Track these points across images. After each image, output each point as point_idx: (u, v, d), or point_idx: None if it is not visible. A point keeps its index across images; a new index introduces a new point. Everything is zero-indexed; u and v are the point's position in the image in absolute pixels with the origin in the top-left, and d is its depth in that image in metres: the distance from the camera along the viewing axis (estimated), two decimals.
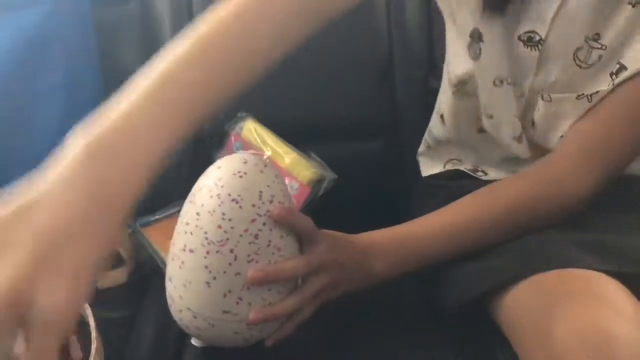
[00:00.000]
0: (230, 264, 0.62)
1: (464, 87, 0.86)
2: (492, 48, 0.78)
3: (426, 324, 0.80)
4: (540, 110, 0.78)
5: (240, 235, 0.62)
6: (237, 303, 0.63)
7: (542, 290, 0.65)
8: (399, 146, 1.11)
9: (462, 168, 0.93)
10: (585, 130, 0.74)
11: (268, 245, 0.63)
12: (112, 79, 1.04)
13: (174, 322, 0.72)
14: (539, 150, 0.82)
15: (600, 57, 0.72)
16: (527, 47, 0.75)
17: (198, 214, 0.63)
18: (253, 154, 0.66)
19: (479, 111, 0.87)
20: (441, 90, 0.96)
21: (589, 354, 0.55)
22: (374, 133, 1.12)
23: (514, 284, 0.68)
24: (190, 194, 0.66)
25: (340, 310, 0.74)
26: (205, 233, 0.62)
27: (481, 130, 0.89)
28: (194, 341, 0.71)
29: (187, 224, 0.64)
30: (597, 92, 0.73)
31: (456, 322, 0.76)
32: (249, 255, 0.62)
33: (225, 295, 0.63)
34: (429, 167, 0.98)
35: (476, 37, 0.79)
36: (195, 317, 0.65)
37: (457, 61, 0.86)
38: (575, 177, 0.73)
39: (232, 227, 0.61)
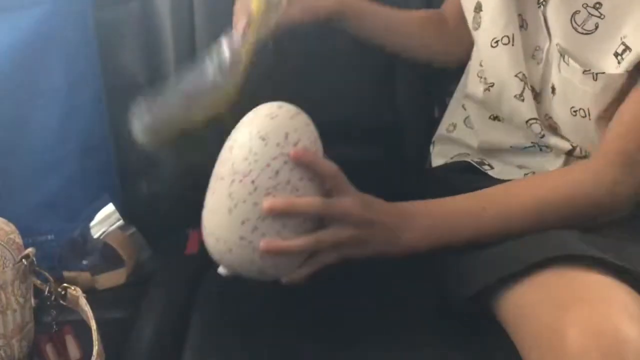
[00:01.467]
0: (250, 193, 0.68)
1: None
2: (489, 9, 0.82)
3: (428, 321, 0.80)
4: (560, 72, 0.78)
5: (262, 170, 0.68)
6: (253, 232, 0.68)
7: (551, 292, 0.65)
8: (400, 150, 1.12)
9: (469, 160, 0.93)
10: (623, 130, 0.74)
11: (287, 183, 0.68)
12: (112, 80, 1.06)
13: (173, 322, 0.74)
14: (547, 122, 0.83)
15: (596, 25, 0.74)
16: (538, 6, 0.79)
17: (231, 147, 0.70)
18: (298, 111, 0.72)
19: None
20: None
21: (602, 356, 0.55)
22: (375, 137, 1.12)
23: (520, 284, 0.68)
24: (231, 133, 0.73)
25: (343, 301, 0.78)
26: (233, 164, 0.69)
27: (493, 117, 0.90)
28: (220, 270, 0.75)
29: (223, 156, 0.71)
30: (604, 72, 0.73)
31: (461, 318, 0.76)
32: (267, 189, 0.68)
33: (242, 223, 0.68)
34: (439, 158, 0.99)
35: (478, 8, 0.84)
36: (217, 241, 0.71)
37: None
38: (619, 181, 0.73)
39: (256, 161, 0.68)
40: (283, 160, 0.68)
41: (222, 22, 1.08)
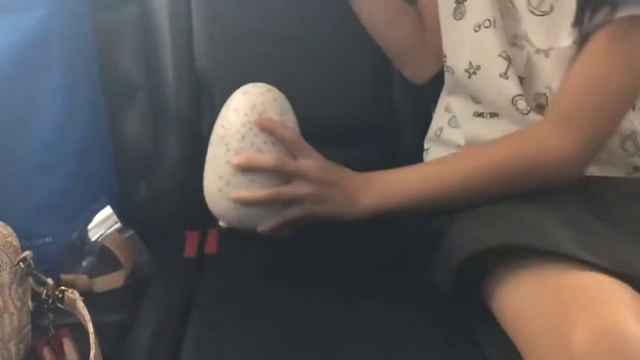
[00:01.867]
0: (224, 153, 0.84)
1: (446, 60, 0.94)
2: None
3: (419, 314, 0.81)
4: (533, 58, 0.84)
5: (233, 135, 0.83)
6: (227, 185, 0.84)
7: (554, 293, 0.66)
8: (396, 151, 1.12)
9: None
10: (562, 94, 0.80)
11: (252, 145, 0.83)
12: (110, 83, 1.06)
13: (171, 325, 0.78)
14: (537, 100, 0.86)
15: (552, 7, 0.81)
16: None
17: (219, 118, 0.87)
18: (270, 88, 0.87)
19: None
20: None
21: (608, 357, 0.56)
22: (371, 138, 1.12)
23: (521, 284, 0.69)
24: None
25: (333, 294, 0.84)
26: (215, 131, 0.86)
27: (478, 114, 0.92)
28: (220, 222, 0.91)
29: (214, 127, 0.87)
30: (552, 48, 0.81)
31: (451, 310, 0.78)
32: (235, 150, 0.83)
33: (220, 178, 0.84)
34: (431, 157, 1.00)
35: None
36: (207, 196, 0.87)
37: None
38: (556, 138, 0.78)
39: (229, 128, 0.84)
40: (249, 127, 0.83)
41: (220, 22, 1.10)
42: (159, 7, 1.08)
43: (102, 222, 0.94)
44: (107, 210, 0.95)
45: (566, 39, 0.81)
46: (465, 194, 0.81)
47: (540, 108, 0.85)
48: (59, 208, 0.96)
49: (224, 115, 0.85)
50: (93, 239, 0.94)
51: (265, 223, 0.85)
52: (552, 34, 0.82)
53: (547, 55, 0.83)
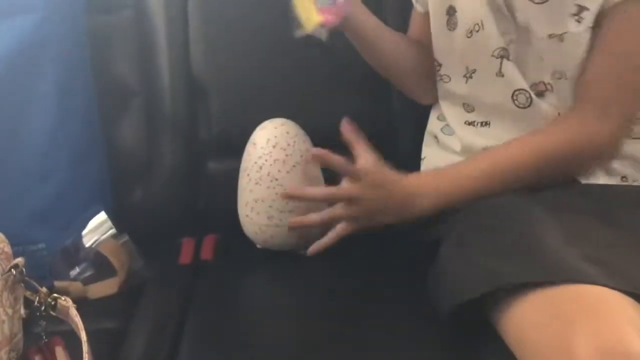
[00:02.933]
0: (247, 183, 0.94)
1: (440, 69, 0.96)
2: (463, 6, 0.89)
3: (421, 329, 0.80)
4: (533, 50, 0.85)
5: (252, 166, 0.93)
6: (251, 211, 0.94)
7: (556, 307, 0.65)
8: (394, 158, 1.09)
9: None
10: (592, 79, 0.82)
11: (268, 175, 0.92)
12: (105, 88, 1.06)
13: (166, 333, 0.79)
14: (537, 88, 0.87)
15: None
16: None
17: (244, 151, 0.96)
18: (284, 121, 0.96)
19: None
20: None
21: None
22: (371, 142, 1.07)
23: (521, 299, 0.67)
24: None
25: (331, 301, 0.85)
26: (242, 162, 0.96)
27: (469, 122, 0.94)
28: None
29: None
30: (566, 32, 0.81)
31: (452, 327, 0.76)
32: (255, 180, 0.93)
33: (246, 204, 0.95)
34: (429, 165, 1.01)
35: (452, 10, 0.91)
36: (240, 219, 0.98)
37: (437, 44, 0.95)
38: (595, 125, 0.81)
39: (249, 160, 0.94)
40: (265, 159, 0.92)
41: (216, 28, 1.09)
42: (155, 12, 1.08)
43: (97, 228, 0.94)
44: (102, 216, 0.94)
45: (574, 23, 0.80)
46: (512, 184, 0.83)
47: (540, 96, 0.86)
48: (53, 214, 0.95)
49: (246, 149, 0.96)
50: (87, 245, 0.93)
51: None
52: (557, 22, 0.81)
53: (561, 40, 0.82)
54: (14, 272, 0.67)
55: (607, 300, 0.62)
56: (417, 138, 1.03)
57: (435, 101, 1.01)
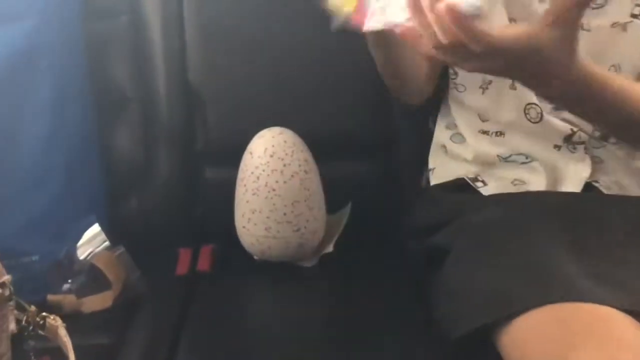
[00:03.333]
0: (243, 194, 0.93)
1: (456, 77, 0.92)
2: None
3: (419, 339, 0.80)
4: (582, 42, 0.74)
5: (249, 176, 0.92)
6: (248, 222, 0.93)
7: (558, 325, 0.64)
8: (394, 164, 1.11)
9: (464, 176, 0.92)
10: None
11: (265, 185, 0.91)
12: (101, 95, 1.04)
13: (159, 349, 0.78)
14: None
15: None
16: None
17: (241, 162, 0.95)
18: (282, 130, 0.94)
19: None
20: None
21: None
22: (371, 152, 1.11)
23: (523, 317, 0.67)
24: None
25: (330, 316, 0.85)
26: (238, 173, 0.95)
27: (483, 131, 0.90)
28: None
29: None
30: (632, 21, 0.78)
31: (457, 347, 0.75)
32: (252, 190, 0.92)
33: (242, 216, 0.94)
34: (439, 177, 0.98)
35: None
36: (237, 230, 0.97)
37: None
38: None
39: (246, 169, 0.93)
40: (262, 169, 0.91)
41: (213, 34, 1.07)
42: (151, 18, 1.07)
43: (90, 240, 0.92)
44: (95, 228, 0.92)
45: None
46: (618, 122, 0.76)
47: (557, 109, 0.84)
48: (46, 225, 0.93)
49: (243, 159, 0.94)
50: (82, 257, 0.92)
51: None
52: (618, 11, 0.79)
53: (624, 30, 0.79)
54: (1, 290, 0.65)
55: (608, 320, 0.62)
56: (419, 146, 1.01)
57: (422, 102, 0.98)
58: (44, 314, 0.67)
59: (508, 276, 0.71)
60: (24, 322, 0.67)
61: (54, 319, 0.66)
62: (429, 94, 0.98)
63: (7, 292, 0.66)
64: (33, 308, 0.67)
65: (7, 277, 0.65)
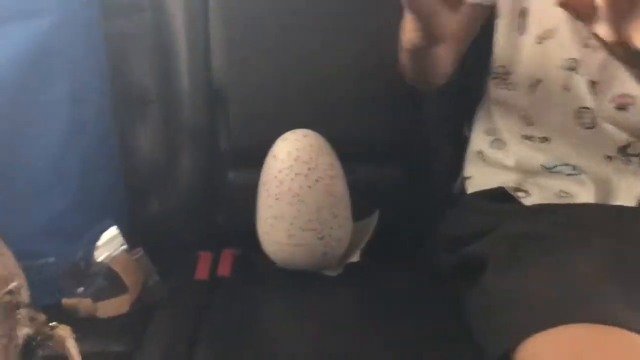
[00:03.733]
0: (266, 198, 0.90)
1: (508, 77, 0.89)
2: (536, 11, 0.83)
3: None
4: None
5: (271, 181, 0.89)
6: (270, 227, 0.91)
7: (577, 346, 0.63)
8: (423, 171, 1.08)
9: (504, 185, 0.88)
10: None
11: (289, 190, 0.88)
12: (121, 94, 1.02)
13: (178, 357, 0.77)
14: (607, 111, 0.79)
15: None
16: None
17: (264, 164, 0.93)
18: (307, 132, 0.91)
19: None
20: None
21: None
22: (400, 157, 1.08)
23: (551, 335, 0.65)
24: None
25: (350, 323, 0.84)
26: (260, 176, 0.92)
27: (525, 136, 0.88)
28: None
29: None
30: None
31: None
32: (275, 195, 0.89)
33: (265, 220, 0.91)
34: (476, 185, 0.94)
35: (523, 13, 0.86)
36: (259, 236, 0.94)
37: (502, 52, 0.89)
38: None
39: (269, 173, 0.90)
40: (285, 173, 0.88)
41: (239, 31, 1.05)
42: (174, 15, 1.05)
43: (108, 243, 0.90)
44: (113, 231, 0.90)
45: None
46: None
47: (621, 110, 0.79)
48: (63, 226, 0.91)
49: (266, 162, 0.91)
50: (99, 260, 0.90)
51: None
52: None
53: None
54: (9, 297, 0.62)
55: (633, 348, 0.61)
56: (451, 153, 0.98)
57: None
58: (53, 323, 0.64)
59: (557, 294, 0.68)
60: (32, 333, 0.64)
61: (62, 329, 0.64)
62: (446, 78, 0.94)
63: (15, 299, 0.64)
64: (43, 317, 0.64)
65: (14, 284, 0.63)
